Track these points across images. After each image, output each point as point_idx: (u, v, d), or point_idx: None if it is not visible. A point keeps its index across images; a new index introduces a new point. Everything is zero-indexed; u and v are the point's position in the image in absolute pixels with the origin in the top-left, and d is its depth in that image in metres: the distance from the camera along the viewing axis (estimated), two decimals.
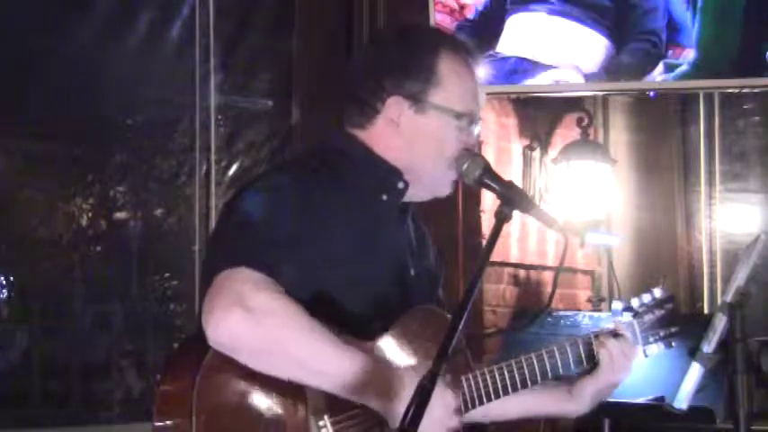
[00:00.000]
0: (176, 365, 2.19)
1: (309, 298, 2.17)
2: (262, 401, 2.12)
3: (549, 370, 2.40)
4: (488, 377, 2.33)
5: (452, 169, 2.32)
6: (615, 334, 2.47)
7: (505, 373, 2.35)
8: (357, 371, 2.12)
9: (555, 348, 2.42)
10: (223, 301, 2.09)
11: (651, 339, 2.55)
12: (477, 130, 2.39)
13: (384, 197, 2.36)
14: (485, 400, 2.33)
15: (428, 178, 2.37)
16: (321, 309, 2.17)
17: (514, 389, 2.36)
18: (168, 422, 2.10)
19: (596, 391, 2.49)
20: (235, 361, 2.10)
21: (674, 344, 2.58)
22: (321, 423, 2.14)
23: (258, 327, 2.07)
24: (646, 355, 2.55)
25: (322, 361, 2.11)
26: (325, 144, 2.42)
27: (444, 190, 2.40)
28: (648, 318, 2.55)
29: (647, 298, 2.56)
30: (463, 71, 2.36)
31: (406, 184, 2.37)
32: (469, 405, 2.31)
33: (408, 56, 2.34)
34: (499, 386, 2.34)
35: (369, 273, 2.29)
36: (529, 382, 2.38)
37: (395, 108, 2.32)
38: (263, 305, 2.08)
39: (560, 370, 2.42)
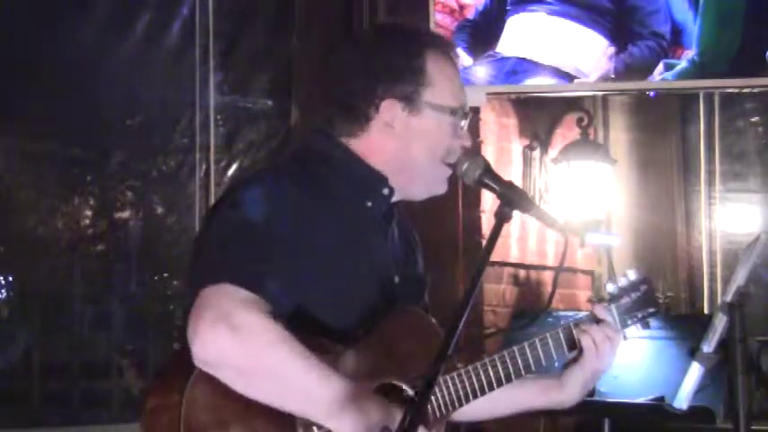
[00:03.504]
0: (164, 380, 2.17)
1: (293, 309, 2.16)
2: (250, 416, 2.10)
3: (531, 363, 2.39)
4: (472, 374, 2.32)
5: (446, 165, 2.33)
6: (597, 320, 2.46)
7: (489, 369, 2.33)
8: (339, 394, 2.09)
9: (536, 340, 2.41)
10: (208, 319, 2.06)
11: (629, 322, 2.53)
12: (466, 121, 2.39)
13: (369, 204, 2.35)
14: (470, 397, 2.31)
15: (423, 177, 2.36)
16: (305, 319, 2.16)
17: (499, 384, 2.34)
18: None
19: (584, 378, 2.47)
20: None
21: (651, 324, 2.57)
22: None
23: (244, 344, 2.05)
24: (625, 338, 2.54)
25: (308, 383, 2.09)
26: (310, 150, 2.39)
27: (441, 188, 2.38)
28: (625, 301, 2.54)
29: (622, 281, 2.56)
30: (449, 67, 2.38)
31: (391, 191, 2.36)
32: (456, 404, 2.30)
33: (396, 59, 2.34)
34: (484, 383, 2.32)
35: (353, 281, 2.27)
36: (513, 377, 2.36)
37: (389, 112, 2.32)
38: (249, 324, 2.06)
39: (543, 361, 2.40)
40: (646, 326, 2.56)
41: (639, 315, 2.54)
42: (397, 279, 2.38)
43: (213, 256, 2.18)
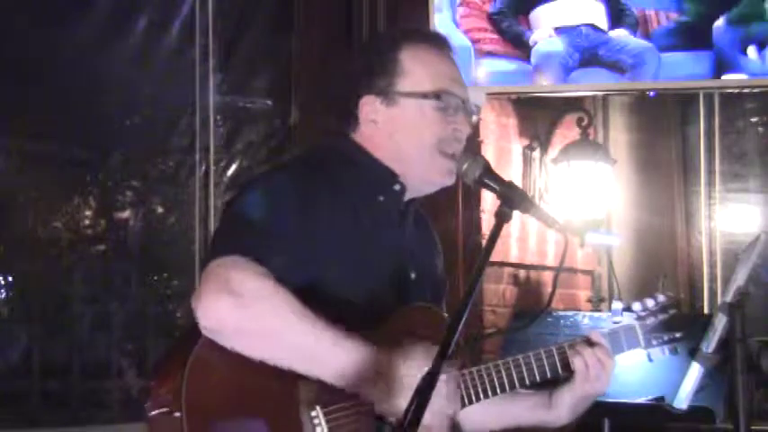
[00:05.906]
0: (170, 359, 2.20)
1: (300, 292, 2.17)
2: (253, 393, 2.12)
3: (525, 377, 2.39)
4: (468, 380, 2.32)
5: (444, 155, 2.33)
6: (591, 343, 2.46)
7: (476, 379, 2.33)
8: (355, 359, 2.12)
9: (531, 356, 2.40)
10: (212, 288, 2.11)
11: (654, 342, 2.54)
12: (460, 107, 2.37)
13: (381, 198, 2.37)
14: (465, 402, 2.31)
15: (418, 167, 2.37)
16: (311, 305, 2.16)
17: (493, 393, 2.35)
18: (161, 414, 2.11)
19: (574, 401, 2.47)
20: (224, 353, 2.11)
21: (678, 350, 2.57)
22: (313, 414, 2.14)
23: (247, 311, 2.09)
24: (650, 360, 2.54)
25: (316, 347, 2.12)
26: (325, 145, 2.44)
27: (444, 178, 2.37)
28: (651, 321, 2.54)
29: (650, 302, 2.56)
30: (427, 56, 2.39)
31: (403, 187, 2.38)
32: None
33: (372, 57, 2.40)
34: (480, 390, 2.33)
35: (363, 273, 2.29)
36: (502, 389, 2.36)
37: (369, 107, 2.36)
38: (252, 290, 2.10)
39: (536, 378, 2.40)
40: (673, 351, 2.56)
41: (665, 338, 2.54)
42: (413, 275, 2.40)
43: (225, 235, 2.24)
